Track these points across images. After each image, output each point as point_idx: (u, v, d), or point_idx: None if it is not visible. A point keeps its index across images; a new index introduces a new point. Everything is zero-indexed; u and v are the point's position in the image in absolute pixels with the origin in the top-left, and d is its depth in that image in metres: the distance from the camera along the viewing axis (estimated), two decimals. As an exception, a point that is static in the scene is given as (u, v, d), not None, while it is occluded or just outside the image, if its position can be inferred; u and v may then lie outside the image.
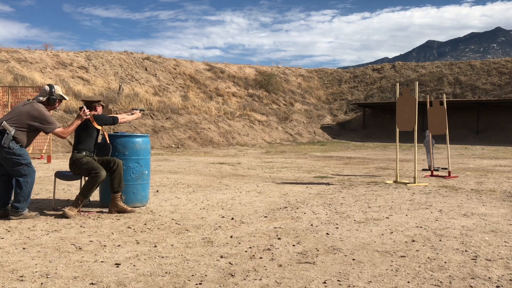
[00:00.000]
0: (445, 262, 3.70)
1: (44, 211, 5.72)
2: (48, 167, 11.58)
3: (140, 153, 6.05)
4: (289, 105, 33.11)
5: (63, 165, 11.46)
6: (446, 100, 10.48)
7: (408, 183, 8.70)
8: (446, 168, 11.47)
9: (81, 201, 5.47)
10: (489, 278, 3.34)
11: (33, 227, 4.82)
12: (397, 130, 9.33)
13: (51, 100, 5.35)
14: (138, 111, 6.37)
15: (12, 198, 5.27)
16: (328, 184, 8.66)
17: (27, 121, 5.17)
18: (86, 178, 5.65)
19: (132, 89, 25.25)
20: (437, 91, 32.23)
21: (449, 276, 3.38)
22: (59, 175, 5.88)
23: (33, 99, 5.38)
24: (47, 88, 5.38)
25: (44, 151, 14.47)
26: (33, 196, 6.83)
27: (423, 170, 11.65)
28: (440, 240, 4.41)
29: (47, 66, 24.18)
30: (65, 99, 5.52)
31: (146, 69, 29.28)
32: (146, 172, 6.14)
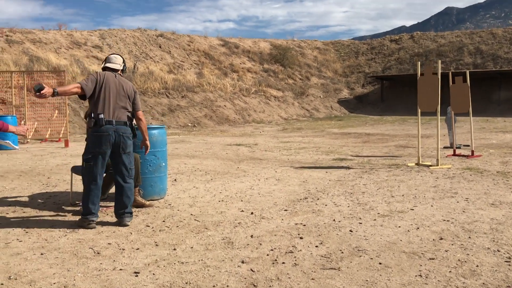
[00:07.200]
0: (477, 266, 3.53)
1: (62, 206, 5.68)
2: (66, 152, 11.58)
3: (157, 145, 5.92)
4: (305, 80, 32.65)
5: (81, 149, 11.42)
6: (467, 72, 10.10)
7: (430, 165, 8.47)
8: (468, 146, 11.17)
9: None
10: (526, 285, 3.16)
11: (52, 227, 4.76)
12: (419, 111, 9.04)
13: (124, 70, 5.20)
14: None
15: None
16: (348, 168, 8.48)
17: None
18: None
19: (146, 67, 25.09)
20: (457, 62, 31.45)
21: (483, 284, 3.20)
22: (76, 170, 5.81)
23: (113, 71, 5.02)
24: (120, 58, 5.14)
25: (61, 134, 14.48)
26: (51, 188, 6.81)
27: (445, 147, 11.38)
28: (469, 237, 4.23)
29: (61, 46, 24.08)
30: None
31: (160, 47, 29.03)
32: (163, 164, 6.02)
